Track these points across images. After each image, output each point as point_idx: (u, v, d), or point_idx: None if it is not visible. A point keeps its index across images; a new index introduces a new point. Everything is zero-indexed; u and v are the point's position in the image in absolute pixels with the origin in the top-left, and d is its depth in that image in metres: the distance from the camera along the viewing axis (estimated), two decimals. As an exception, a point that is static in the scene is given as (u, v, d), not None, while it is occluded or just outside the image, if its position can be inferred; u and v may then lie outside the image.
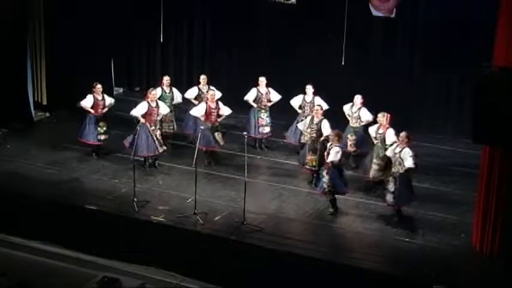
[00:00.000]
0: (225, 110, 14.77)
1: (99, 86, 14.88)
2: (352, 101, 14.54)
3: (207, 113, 14.45)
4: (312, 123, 13.89)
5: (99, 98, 14.85)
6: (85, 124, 14.74)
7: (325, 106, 14.49)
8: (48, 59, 17.26)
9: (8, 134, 16.13)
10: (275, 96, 15.40)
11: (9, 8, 16.11)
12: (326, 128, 13.65)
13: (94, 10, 17.36)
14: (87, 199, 12.97)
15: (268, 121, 15.37)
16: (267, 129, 15.42)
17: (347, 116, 14.52)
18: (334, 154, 12.54)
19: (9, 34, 16.18)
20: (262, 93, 15.33)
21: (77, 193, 13.29)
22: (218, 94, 15.19)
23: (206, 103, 14.65)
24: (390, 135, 13.19)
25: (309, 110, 14.66)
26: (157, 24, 18.06)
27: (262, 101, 15.33)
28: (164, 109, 14.54)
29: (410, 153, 12.19)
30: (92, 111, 14.73)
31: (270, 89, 15.38)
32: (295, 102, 15.00)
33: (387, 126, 13.31)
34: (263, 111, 15.33)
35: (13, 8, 16.18)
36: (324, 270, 11.06)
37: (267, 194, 13.52)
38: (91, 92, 14.85)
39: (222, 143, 14.60)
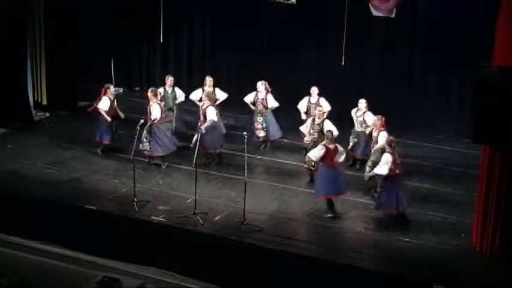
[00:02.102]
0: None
1: (112, 87, 15.02)
2: (353, 101, 14.51)
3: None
4: (314, 123, 13.89)
5: (112, 98, 14.90)
6: (102, 125, 14.78)
7: (328, 107, 14.46)
8: (48, 59, 17.26)
9: (8, 134, 16.14)
10: (271, 103, 15.27)
11: (9, 7, 16.11)
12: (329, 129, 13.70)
13: (94, 10, 17.37)
14: (87, 199, 12.97)
15: (264, 125, 15.28)
16: (262, 134, 15.34)
17: (354, 120, 14.46)
18: (315, 150, 12.66)
19: (9, 34, 16.19)
20: (259, 98, 15.28)
21: (77, 193, 13.30)
22: (224, 95, 15.28)
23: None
24: (381, 138, 13.10)
25: (314, 112, 14.52)
26: (157, 24, 18.06)
27: (258, 105, 15.31)
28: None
29: (388, 159, 12.15)
30: (105, 113, 14.72)
31: (269, 95, 15.26)
32: (302, 106, 14.89)
33: (381, 129, 13.25)
34: (259, 115, 15.29)
35: (13, 7, 16.18)
36: (324, 270, 11.06)
37: (267, 194, 13.52)
38: (104, 93, 14.82)
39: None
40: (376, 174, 12.51)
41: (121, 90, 19.13)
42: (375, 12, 15.91)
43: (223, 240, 11.76)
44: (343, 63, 16.31)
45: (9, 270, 10.09)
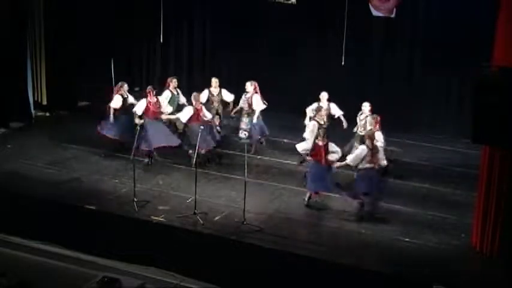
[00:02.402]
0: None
1: (125, 86, 15.03)
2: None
3: (195, 116, 14.34)
4: (321, 126, 13.64)
5: (126, 95, 14.94)
6: (108, 120, 14.75)
7: (339, 113, 14.31)
8: (48, 59, 17.26)
9: (8, 134, 16.14)
10: (256, 104, 14.98)
11: (9, 7, 16.11)
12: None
13: (94, 10, 17.37)
14: (87, 199, 12.96)
15: (248, 126, 15.10)
16: (243, 135, 15.13)
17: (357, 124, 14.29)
18: (303, 143, 12.98)
19: (9, 34, 16.19)
20: (246, 97, 15.13)
21: (77, 193, 13.29)
22: (230, 97, 15.24)
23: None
24: (376, 138, 13.10)
25: (325, 118, 14.21)
26: (157, 24, 18.06)
27: (245, 105, 15.16)
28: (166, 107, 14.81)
29: (363, 152, 12.32)
30: (112, 112, 14.72)
31: (255, 96, 15.03)
32: (310, 111, 14.40)
33: (376, 128, 13.23)
34: (245, 115, 15.16)
35: (13, 7, 16.19)
36: (324, 270, 11.06)
37: (267, 194, 13.52)
38: (117, 92, 14.85)
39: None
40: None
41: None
42: (375, 12, 15.92)
43: (223, 240, 11.75)
44: (343, 63, 16.31)
45: (9, 270, 10.10)
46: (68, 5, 17.03)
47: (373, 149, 12.40)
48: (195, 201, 12.47)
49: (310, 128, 13.85)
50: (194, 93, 14.68)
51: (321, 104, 14.38)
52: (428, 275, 10.82)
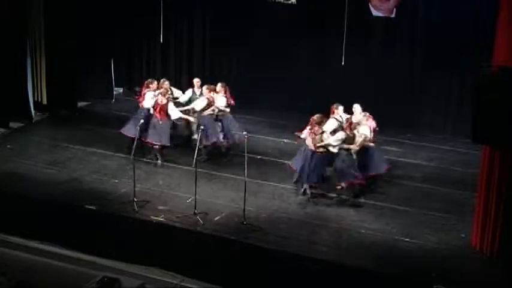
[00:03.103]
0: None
1: (166, 83, 14.81)
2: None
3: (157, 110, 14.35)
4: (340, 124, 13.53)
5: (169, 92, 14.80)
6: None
7: (373, 125, 13.56)
8: (48, 59, 17.25)
9: (8, 134, 16.14)
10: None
11: (9, 7, 16.11)
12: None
13: (94, 10, 17.37)
14: (87, 199, 12.96)
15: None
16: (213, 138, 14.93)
17: None
18: (336, 137, 12.98)
19: (9, 34, 16.19)
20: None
21: (77, 193, 13.29)
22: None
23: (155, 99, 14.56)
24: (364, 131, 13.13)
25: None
26: (157, 24, 18.06)
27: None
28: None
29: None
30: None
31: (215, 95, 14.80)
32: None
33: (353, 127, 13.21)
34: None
35: (13, 7, 16.18)
36: (324, 270, 11.06)
37: (267, 194, 13.52)
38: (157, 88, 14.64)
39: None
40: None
41: (121, 90, 19.14)
42: (375, 12, 15.94)
43: (223, 240, 11.75)
44: (343, 63, 16.31)
45: (9, 270, 10.10)
46: (68, 5, 17.02)
47: (315, 134, 12.91)
48: (195, 201, 12.47)
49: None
50: (160, 91, 14.52)
51: (354, 117, 13.54)
52: (428, 275, 10.83)
